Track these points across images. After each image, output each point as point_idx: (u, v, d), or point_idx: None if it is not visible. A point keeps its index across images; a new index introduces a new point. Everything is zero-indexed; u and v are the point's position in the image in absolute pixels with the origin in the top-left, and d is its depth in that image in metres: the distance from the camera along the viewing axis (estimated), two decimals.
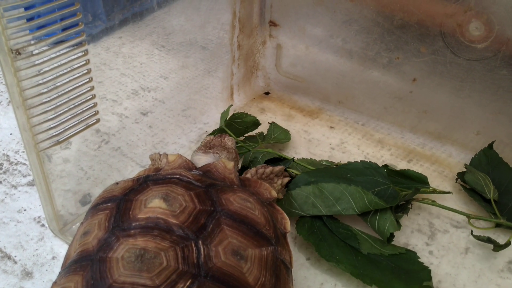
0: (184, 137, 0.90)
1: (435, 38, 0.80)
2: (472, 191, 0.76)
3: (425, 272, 0.62)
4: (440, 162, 0.85)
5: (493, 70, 0.77)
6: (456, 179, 0.80)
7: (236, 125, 0.87)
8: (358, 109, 0.97)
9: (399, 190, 0.70)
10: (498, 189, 0.74)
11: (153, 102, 0.88)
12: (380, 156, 0.87)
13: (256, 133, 0.90)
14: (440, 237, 0.71)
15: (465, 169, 0.80)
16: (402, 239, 0.71)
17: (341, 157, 0.85)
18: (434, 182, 0.80)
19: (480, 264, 0.67)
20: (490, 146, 0.81)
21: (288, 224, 0.57)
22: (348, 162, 0.75)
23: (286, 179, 0.70)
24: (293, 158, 0.79)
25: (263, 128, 0.91)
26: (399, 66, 0.87)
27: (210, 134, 0.84)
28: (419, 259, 0.64)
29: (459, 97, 0.83)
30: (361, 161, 0.74)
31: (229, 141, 0.71)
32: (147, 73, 0.88)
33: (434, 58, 0.82)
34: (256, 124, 0.89)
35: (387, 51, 0.86)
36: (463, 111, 0.84)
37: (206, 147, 0.70)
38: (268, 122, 0.92)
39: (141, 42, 0.85)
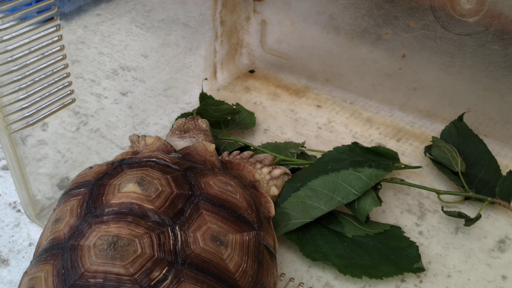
0: (165, 117, 0.87)
1: (425, 12, 0.77)
2: (440, 165, 0.75)
3: (412, 249, 0.61)
4: (430, 141, 0.83)
5: (484, 45, 0.75)
6: (425, 153, 0.79)
7: (211, 111, 0.79)
8: (346, 87, 0.94)
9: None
10: (467, 161, 0.73)
11: (133, 81, 0.86)
12: (369, 135, 0.85)
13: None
14: (430, 217, 0.70)
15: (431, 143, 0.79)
16: (391, 219, 0.69)
17: (329, 137, 0.83)
18: (424, 161, 0.79)
19: (470, 244, 0.66)
20: (460, 118, 0.80)
21: (272, 208, 0.55)
22: (322, 155, 0.72)
23: (278, 171, 0.65)
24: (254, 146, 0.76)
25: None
26: (388, 42, 0.84)
27: (181, 117, 0.80)
28: (404, 234, 0.63)
29: (449, 73, 0.81)
30: (333, 148, 0.72)
31: (203, 123, 0.68)
32: (126, 52, 0.85)
33: (424, 33, 0.79)
34: (233, 112, 0.81)
35: (376, 27, 0.84)
36: (453, 88, 0.82)
37: (181, 131, 0.66)
38: (232, 104, 0.85)
39: (120, 19, 0.82)
